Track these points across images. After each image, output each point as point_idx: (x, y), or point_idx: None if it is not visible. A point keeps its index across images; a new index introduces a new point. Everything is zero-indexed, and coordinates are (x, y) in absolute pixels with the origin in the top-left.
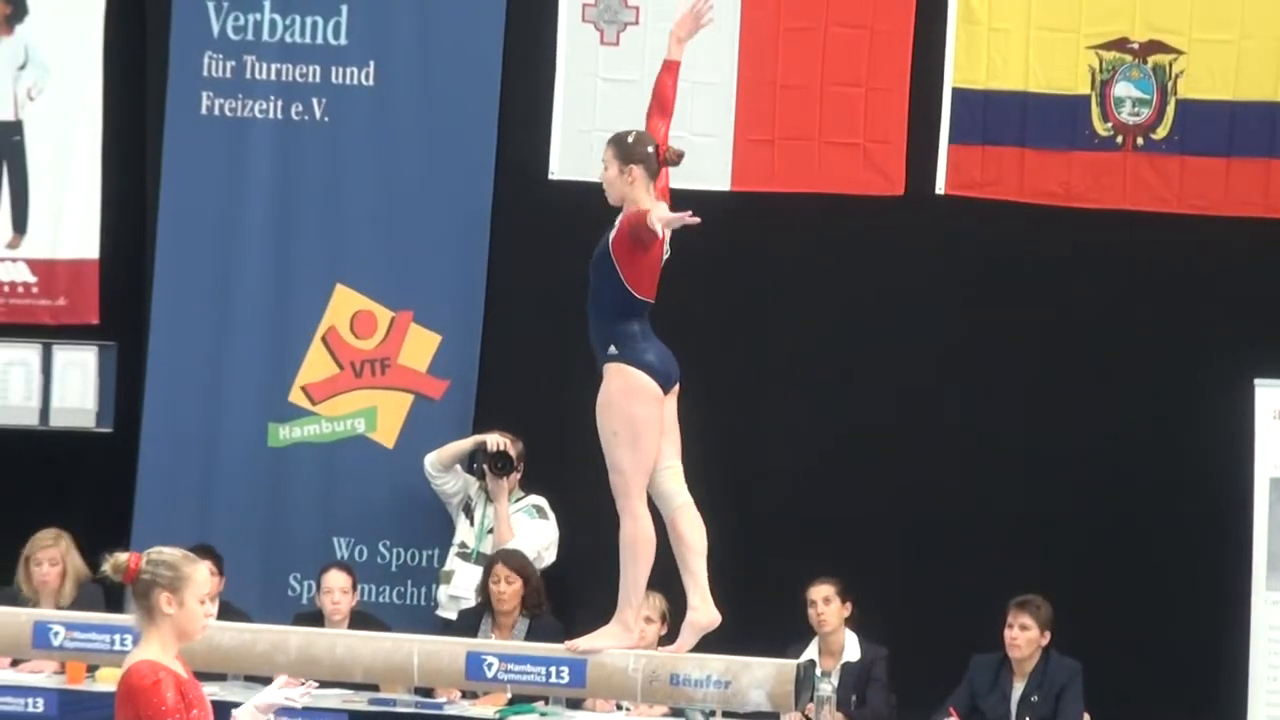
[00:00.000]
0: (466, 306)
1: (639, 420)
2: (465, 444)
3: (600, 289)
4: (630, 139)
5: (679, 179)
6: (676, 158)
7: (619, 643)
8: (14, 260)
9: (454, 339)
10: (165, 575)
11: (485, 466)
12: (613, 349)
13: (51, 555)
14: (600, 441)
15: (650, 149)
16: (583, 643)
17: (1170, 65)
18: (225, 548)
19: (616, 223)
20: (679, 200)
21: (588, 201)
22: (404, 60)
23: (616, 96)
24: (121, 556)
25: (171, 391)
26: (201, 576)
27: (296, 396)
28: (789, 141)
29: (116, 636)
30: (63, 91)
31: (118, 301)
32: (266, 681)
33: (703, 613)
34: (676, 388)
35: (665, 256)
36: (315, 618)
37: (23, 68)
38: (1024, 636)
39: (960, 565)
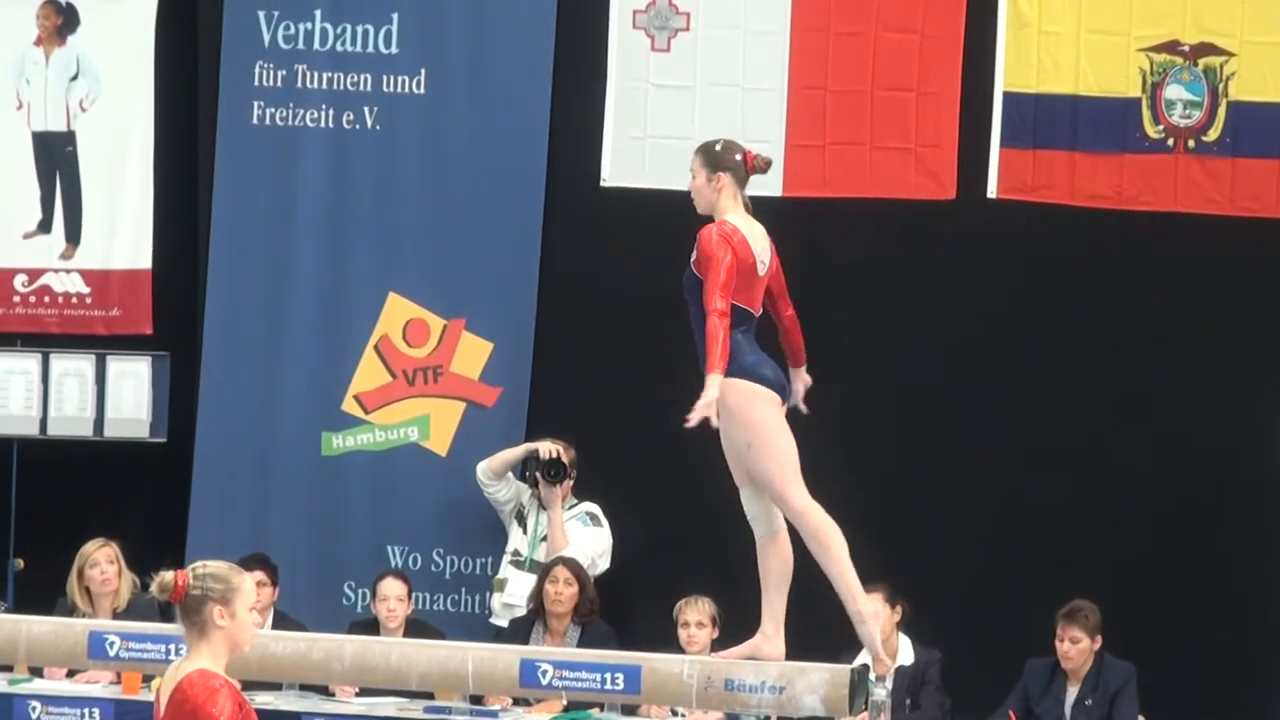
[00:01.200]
0: (518, 314)
1: (765, 424)
2: (517, 451)
3: (699, 310)
4: (718, 147)
5: None
6: (765, 165)
7: (866, 631)
8: (68, 271)
9: (506, 346)
10: (216, 589)
11: (538, 474)
12: None
13: (107, 554)
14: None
15: (739, 157)
16: (868, 629)
17: (1221, 67)
18: (280, 557)
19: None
20: None
21: (640, 208)
22: (455, 68)
23: (668, 102)
24: (168, 575)
25: (225, 401)
26: (249, 586)
27: (350, 405)
28: (840, 146)
29: (172, 646)
30: (115, 102)
31: (171, 311)
32: (322, 690)
33: (773, 645)
34: (784, 407)
35: (766, 266)
36: (370, 626)
37: (75, 79)
38: (1075, 649)
39: (1013, 567)
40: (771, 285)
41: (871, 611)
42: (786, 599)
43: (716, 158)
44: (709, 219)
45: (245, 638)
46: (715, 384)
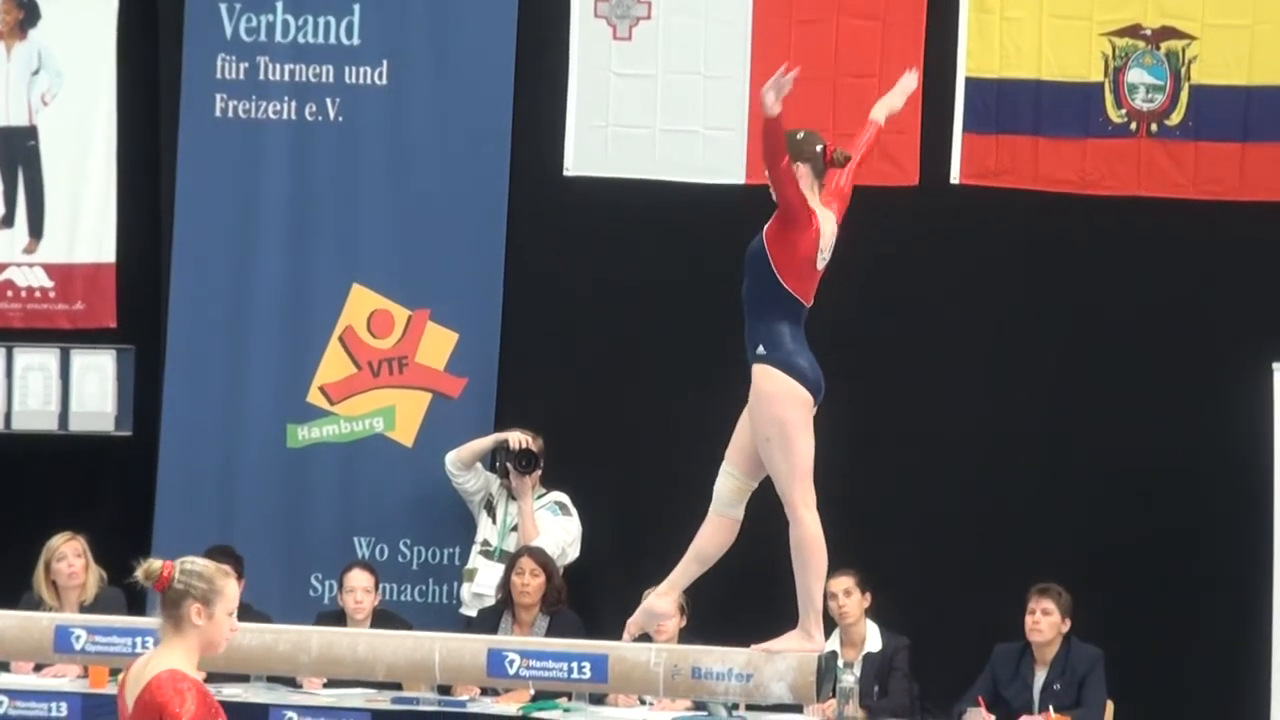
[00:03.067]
0: (484, 304)
1: (789, 423)
2: (486, 442)
3: (752, 285)
4: (800, 136)
5: (691, 174)
6: (844, 159)
7: (800, 647)
8: (31, 265)
9: (471, 337)
10: (199, 587)
11: (509, 464)
12: (761, 349)
13: (74, 548)
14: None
15: (819, 148)
16: (770, 645)
17: (1183, 51)
18: (246, 549)
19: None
20: (689, 195)
21: (603, 197)
22: (417, 59)
23: (630, 91)
24: (155, 563)
25: (190, 394)
26: (233, 591)
27: (315, 397)
28: None
29: (138, 639)
30: (77, 96)
31: (135, 304)
32: (290, 682)
33: (665, 601)
34: (815, 406)
35: (824, 261)
36: (337, 617)
37: (36, 73)
38: (1046, 621)
39: (980, 555)
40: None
41: (820, 640)
42: (694, 579)
43: (797, 147)
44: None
45: (220, 640)
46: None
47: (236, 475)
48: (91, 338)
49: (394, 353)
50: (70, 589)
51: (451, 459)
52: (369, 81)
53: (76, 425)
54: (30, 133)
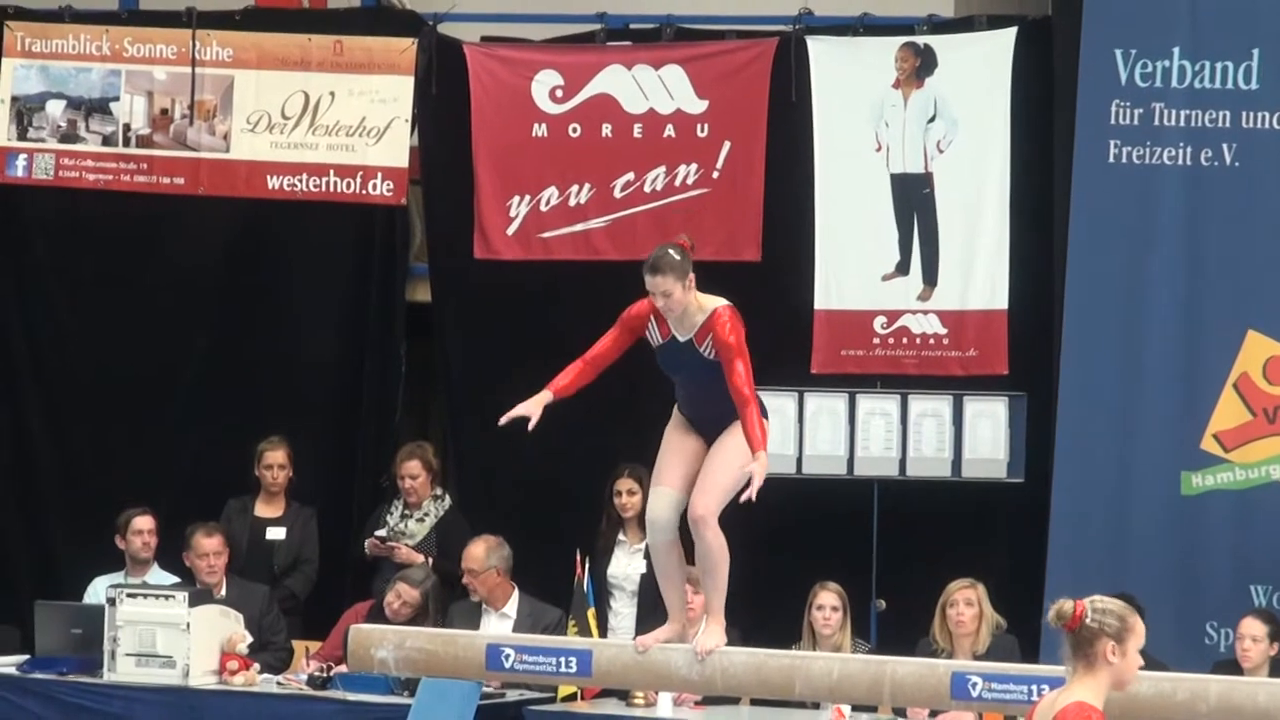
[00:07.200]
0: None
1: None
2: None
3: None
4: (675, 255)
5: None
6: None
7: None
8: (925, 312)
9: None
10: (1112, 625)
11: None
12: None
13: (968, 597)
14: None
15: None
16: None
17: None
18: (1139, 595)
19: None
20: None
21: None
22: None
23: None
24: (1066, 604)
25: (1081, 440)
26: (1141, 628)
27: (1208, 444)
28: None
29: (1034, 687)
30: (971, 143)
31: (1026, 351)
32: None
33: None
34: None
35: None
36: (1232, 666)
37: (932, 120)
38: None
39: None
40: None
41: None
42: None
43: (681, 265)
44: None
45: (1130, 678)
46: None
47: (1129, 522)
48: (983, 384)
49: None
50: (963, 636)
51: None
52: (1267, 126)
53: (969, 472)
54: (925, 180)
